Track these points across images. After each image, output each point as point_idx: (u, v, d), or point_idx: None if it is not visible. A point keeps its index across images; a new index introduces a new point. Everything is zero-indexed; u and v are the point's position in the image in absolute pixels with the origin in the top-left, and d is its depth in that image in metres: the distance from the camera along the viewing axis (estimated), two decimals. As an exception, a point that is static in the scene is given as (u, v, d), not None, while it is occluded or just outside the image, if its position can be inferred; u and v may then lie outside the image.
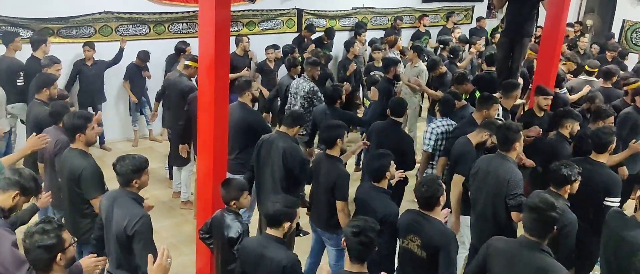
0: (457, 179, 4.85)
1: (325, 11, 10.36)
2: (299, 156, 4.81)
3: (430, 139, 5.64)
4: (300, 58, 7.78)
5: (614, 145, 4.55)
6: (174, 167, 6.71)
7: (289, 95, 6.89)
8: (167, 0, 8.36)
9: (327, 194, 4.52)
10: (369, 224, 3.12)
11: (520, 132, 4.41)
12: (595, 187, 4.35)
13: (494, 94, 5.83)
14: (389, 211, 4.01)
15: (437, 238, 3.56)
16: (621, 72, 7.81)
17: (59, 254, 2.70)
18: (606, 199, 4.33)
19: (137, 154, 3.73)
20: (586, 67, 7.73)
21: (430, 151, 5.67)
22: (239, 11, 9.05)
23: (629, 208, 5.79)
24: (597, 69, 7.66)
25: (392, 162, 4.19)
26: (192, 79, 6.42)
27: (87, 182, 4.12)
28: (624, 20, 11.76)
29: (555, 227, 3.21)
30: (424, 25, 11.24)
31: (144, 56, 7.95)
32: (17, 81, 6.73)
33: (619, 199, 4.43)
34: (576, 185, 3.99)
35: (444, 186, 3.71)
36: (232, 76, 7.99)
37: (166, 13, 8.42)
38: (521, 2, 6.44)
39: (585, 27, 11.96)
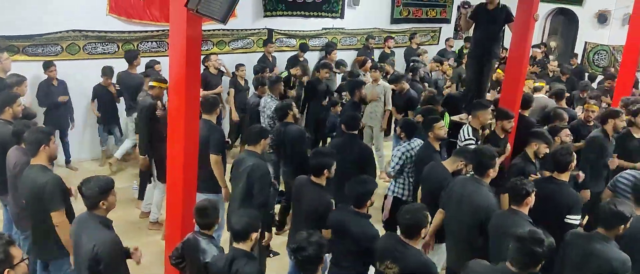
0: (440, 214, 4.72)
1: (296, 31, 10.41)
2: (261, 174, 4.74)
3: (397, 163, 5.63)
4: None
5: (573, 164, 4.64)
6: (148, 186, 6.60)
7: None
8: (136, 19, 8.29)
9: (309, 222, 4.30)
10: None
11: (495, 158, 4.44)
12: (558, 205, 4.45)
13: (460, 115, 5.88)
14: (370, 236, 3.96)
15: (417, 269, 3.50)
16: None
17: (7, 270, 2.61)
18: (567, 216, 4.41)
19: (102, 175, 3.68)
20: (533, 83, 7.85)
21: (392, 174, 5.70)
22: (209, 30, 9.02)
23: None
24: (544, 84, 7.87)
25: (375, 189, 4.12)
26: (157, 98, 6.30)
27: (50, 195, 4.01)
28: (586, 42, 12.12)
29: (539, 266, 3.15)
30: (389, 47, 11.37)
31: (108, 71, 7.76)
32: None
33: (579, 216, 4.53)
34: (533, 196, 4.04)
35: (429, 217, 3.67)
36: (207, 92, 7.99)
37: (135, 32, 8.34)
38: (487, 24, 6.59)
39: (549, 49, 12.29)
